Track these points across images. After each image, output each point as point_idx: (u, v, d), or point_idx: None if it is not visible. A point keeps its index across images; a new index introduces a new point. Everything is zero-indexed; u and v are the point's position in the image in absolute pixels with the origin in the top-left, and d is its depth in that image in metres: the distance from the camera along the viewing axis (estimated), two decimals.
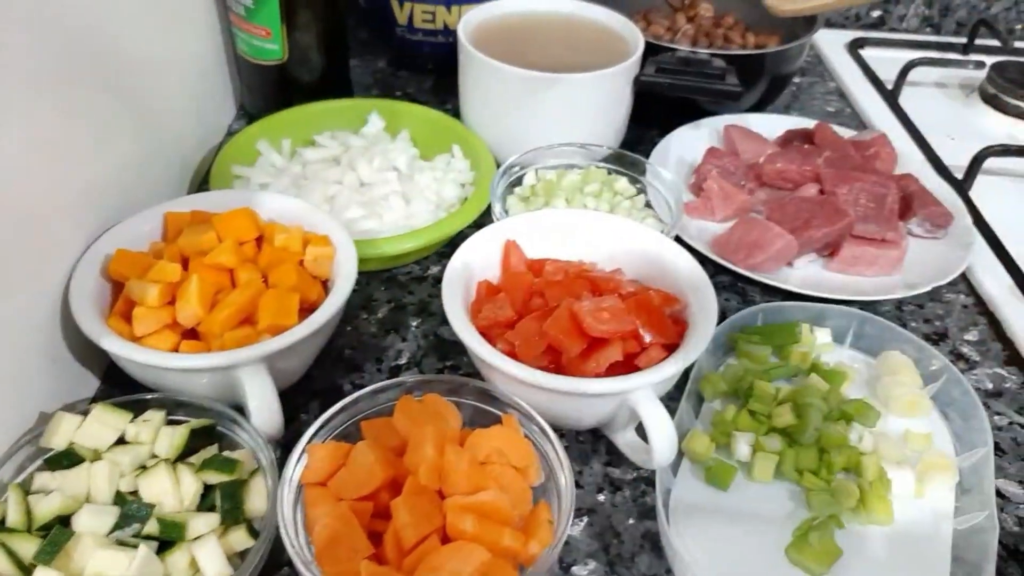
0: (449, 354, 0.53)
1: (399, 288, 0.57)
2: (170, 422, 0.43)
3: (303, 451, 0.40)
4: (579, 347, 0.44)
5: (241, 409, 0.42)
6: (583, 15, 0.69)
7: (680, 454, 0.47)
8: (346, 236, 0.49)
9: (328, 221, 0.50)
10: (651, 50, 0.66)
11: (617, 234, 0.52)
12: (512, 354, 0.44)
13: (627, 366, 0.44)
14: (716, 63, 0.65)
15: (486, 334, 0.46)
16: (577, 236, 0.52)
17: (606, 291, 0.48)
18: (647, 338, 0.44)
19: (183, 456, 0.41)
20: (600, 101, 0.63)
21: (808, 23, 0.75)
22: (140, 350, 0.41)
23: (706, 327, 0.44)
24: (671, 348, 0.45)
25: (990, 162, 0.69)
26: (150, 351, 0.42)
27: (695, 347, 0.43)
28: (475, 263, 0.49)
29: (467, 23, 0.65)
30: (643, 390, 0.41)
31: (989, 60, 0.86)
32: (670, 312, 0.47)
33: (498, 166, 0.62)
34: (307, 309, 0.46)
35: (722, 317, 0.57)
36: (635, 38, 0.65)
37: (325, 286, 0.49)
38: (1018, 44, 0.91)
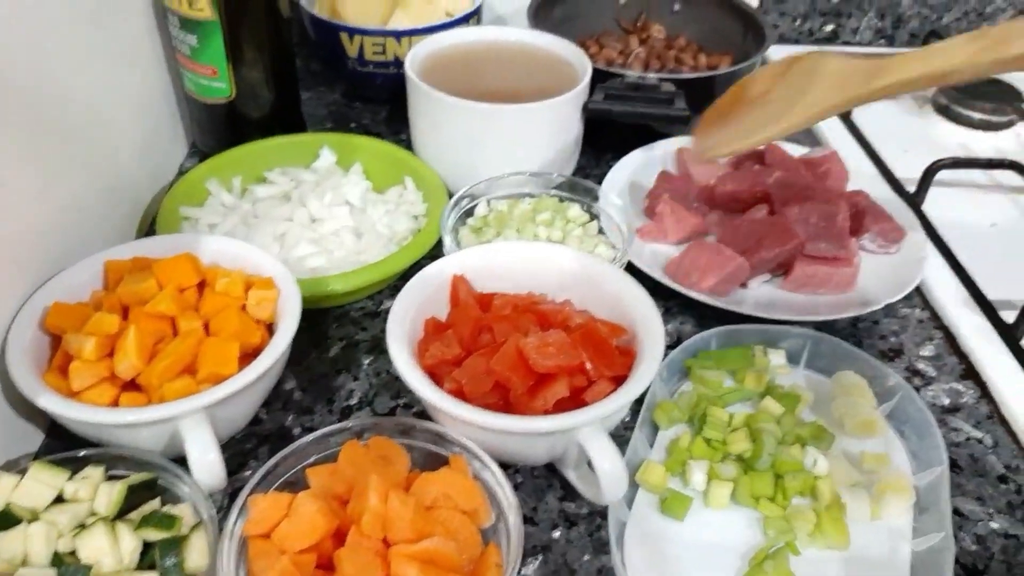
0: (401, 392, 0.52)
1: (352, 325, 0.57)
2: (111, 477, 0.42)
3: (244, 503, 0.39)
4: (526, 384, 0.43)
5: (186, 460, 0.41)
6: (531, 43, 0.69)
7: (635, 485, 0.46)
8: (290, 278, 0.48)
9: (272, 263, 0.49)
10: (600, 76, 0.66)
11: (566, 264, 0.51)
12: (459, 392, 0.44)
13: (575, 401, 0.43)
14: (665, 87, 0.66)
15: (434, 372, 0.46)
16: (527, 268, 0.52)
17: (555, 323, 0.48)
18: (594, 372, 0.44)
19: (124, 512, 0.40)
20: (550, 129, 0.63)
21: (758, 42, 0.76)
22: (75, 407, 0.41)
23: (653, 358, 0.44)
24: (619, 380, 0.44)
25: (943, 173, 0.70)
26: (84, 407, 0.41)
27: (641, 379, 0.43)
28: (423, 300, 0.48)
29: (414, 56, 0.65)
30: (590, 426, 0.41)
31: None
32: (618, 343, 0.46)
33: (451, 197, 0.62)
34: (251, 354, 0.46)
35: (677, 342, 0.57)
36: (583, 65, 0.65)
37: (271, 328, 0.48)
38: None
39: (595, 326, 0.46)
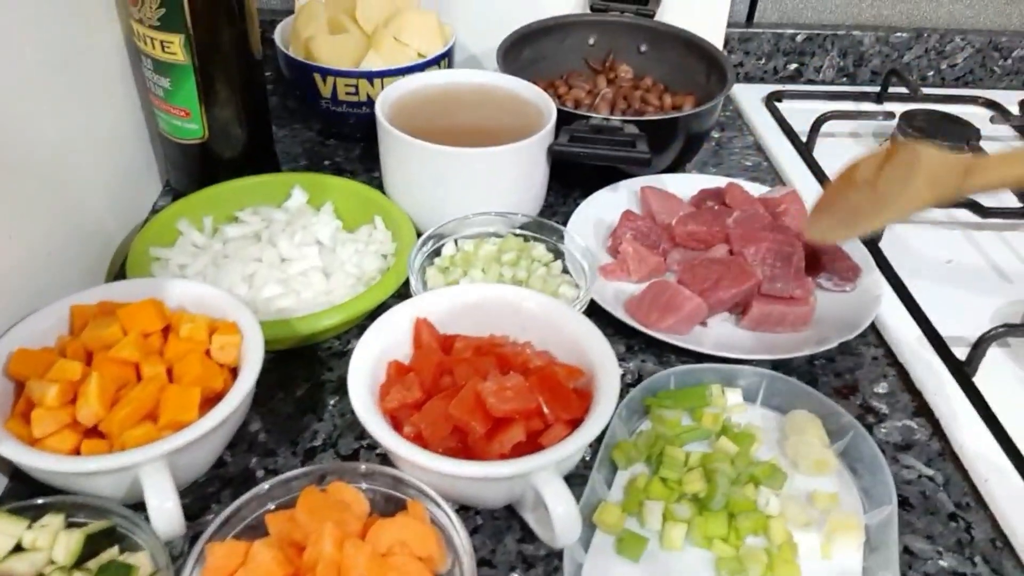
0: (365, 433, 0.53)
1: (319, 365, 0.58)
2: (71, 524, 0.42)
3: (202, 550, 0.39)
4: (484, 427, 0.44)
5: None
6: (499, 85, 0.71)
7: (593, 526, 0.47)
8: (254, 322, 0.49)
9: (236, 307, 0.50)
10: (566, 117, 0.68)
11: (527, 307, 0.52)
12: (419, 437, 0.45)
13: (532, 444, 0.44)
14: (628, 130, 0.67)
15: (395, 416, 0.47)
16: (490, 310, 0.53)
17: (514, 366, 0.49)
18: (551, 415, 0.45)
19: (83, 559, 0.41)
20: (516, 171, 0.64)
21: (721, 82, 0.78)
22: (36, 455, 0.41)
23: (608, 402, 0.45)
24: (576, 422, 0.45)
25: None
26: (45, 456, 0.41)
27: (596, 423, 0.44)
28: (386, 343, 0.49)
29: (384, 99, 0.66)
30: (544, 470, 0.42)
31: (901, 108, 0.90)
32: (576, 385, 0.48)
33: (420, 236, 0.63)
34: (214, 399, 0.47)
35: (638, 379, 0.58)
36: (548, 108, 0.67)
37: (235, 372, 0.49)
38: (931, 91, 0.94)
39: (552, 370, 0.47)
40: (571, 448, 0.42)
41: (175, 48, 0.62)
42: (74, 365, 0.44)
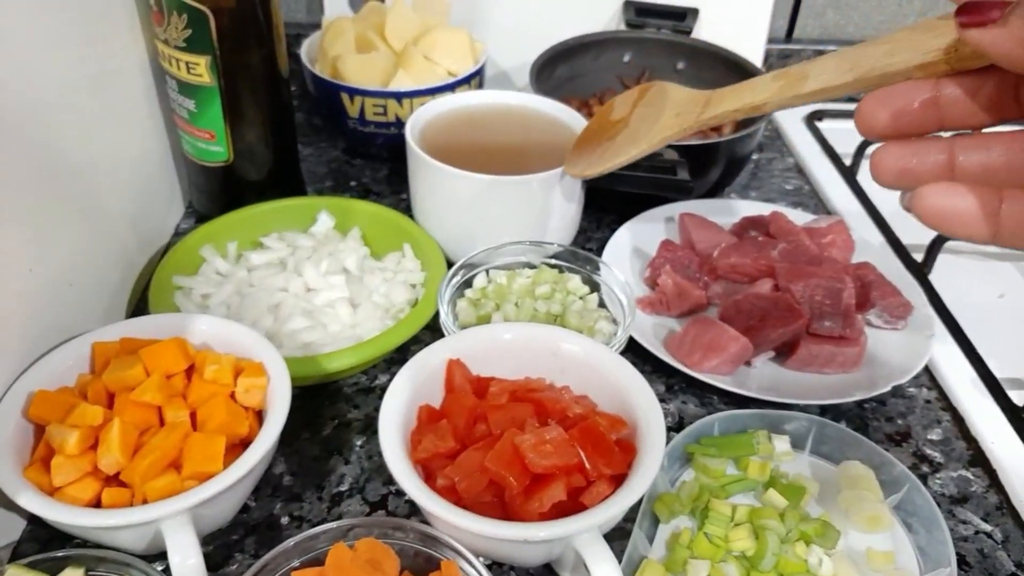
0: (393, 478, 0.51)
1: (345, 402, 0.56)
2: None
3: None
4: (522, 483, 0.42)
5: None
6: (532, 107, 0.69)
7: None
8: (280, 364, 0.47)
9: (263, 347, 0.48)
10: None
11: (565, 348, 0.50)
12: (452, 490, 0.42)
13: (573, 501, 0.42)
14: (667, 155, 0.65)
15: (427, 466, 0.44)
16: (525, 350, 0.51)
17: (553, 413, 0.46)
18: (593, 471, 0.42)
19: None
20: (551, 199, 0.62)
21: None
22: (55, 507, 0.39)
23: (653, 457, 0.42)
24: (619, 478, 0.43)
25: (951, 242, 0.68)
26: (65, 508, 0.39)
27: (641, 481, 0.41)
28: (417, 385, 0.47)
29: (415, 123, 0.64)
30: (587, 533, 0.39)
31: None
32: (617, 437, 0.45)
33: (449, 265, 0.61)
34: (239, 444, 0.45)
35: (679, 421, 0.56)
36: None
37: (260, 415, 0.47)
38: None
39: (594, 421, 0.44)
40: (614, 510, 0.40)
41: (201, 70, 0.60)
42: (95, 410, 0.43)
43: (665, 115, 0.46)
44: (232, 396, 0.46)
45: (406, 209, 0.69)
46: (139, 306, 0.62)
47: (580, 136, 0.56)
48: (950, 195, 0.28)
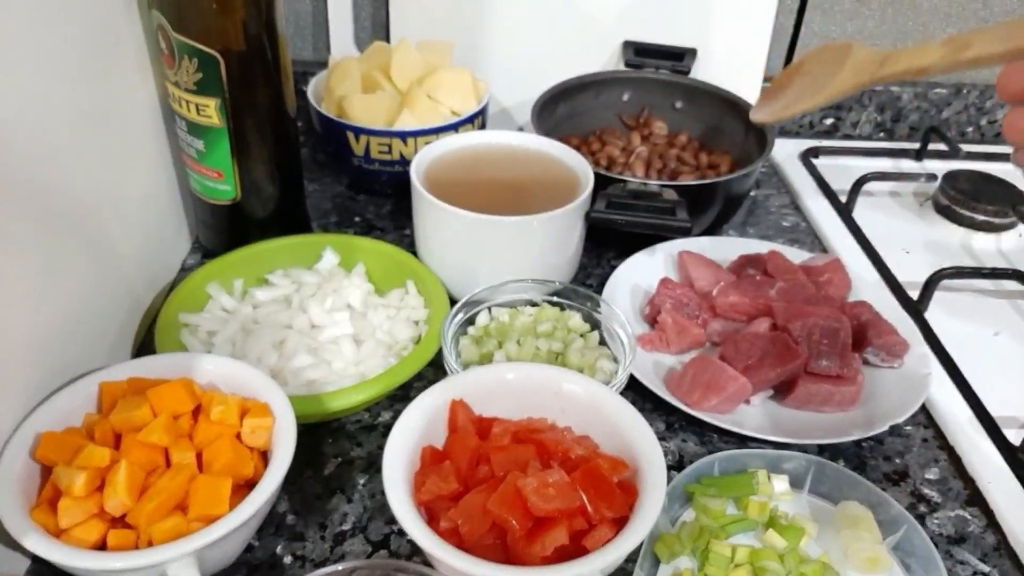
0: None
1: (347, 439, 0.56)
2: None
3: None
4: (525, 527, 0.42)
5: None
6: (534, 147, 0.70)
7: None
8: (286, 404, 0.48)
9: (269, 388, 0.49)
10: (602, 181, 0.66)
11: (567, 388, 0.51)
12: (455, 533, 0.43)
13: (575, 545, 0.42)
14: (667, 195, 0.66)
15: (430, 508, 0.45)
16: (528, 390, 0.51)
17: (555, 454, 0.47)
18: (595, 514, 0.43)
19: None
20: (553, 239, 0.63)
21: (758, 142, 0.76)
22: (60, 550, 0.40)
23: (655, 500, 0.43)
24: (621, 520, 0.43)
25: (946, 280, 0.69)
26: (70, 551, 0.40)
27: (642, 524, 0.42)
28: (420, 426, 0.48)
29: (419, 163, 0.65)
30: None
31: (942, 166, 0.88)
32: (619, 479, 0.46)
33: (452, 301, 0.62)
34: (245, 485, 0.45)
35: (679, 460, 0.56)
36: (585, 172, 0.66)
37: (265, 456, 0.48)
38: (971, 148, 0.92)
39: (596, 464, 0.45)
40: (617, 554, 0.40)
41: (210, 112, 0.61)
42: (102, 452, 0.43)
43: (845, 70, 0.49)
44: (238, 437, 0.47)
45: (409, 245, 0.70)
46: (145, 341, 0.62)
47: (771, 86, 0.59)
48: None
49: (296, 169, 0.70)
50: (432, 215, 0.63)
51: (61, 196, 0.51)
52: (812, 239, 0.80)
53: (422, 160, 0.66)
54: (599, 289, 0.68)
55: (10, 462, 0.43)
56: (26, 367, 0.47)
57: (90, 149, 0.55)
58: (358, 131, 0.73)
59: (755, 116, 0.59)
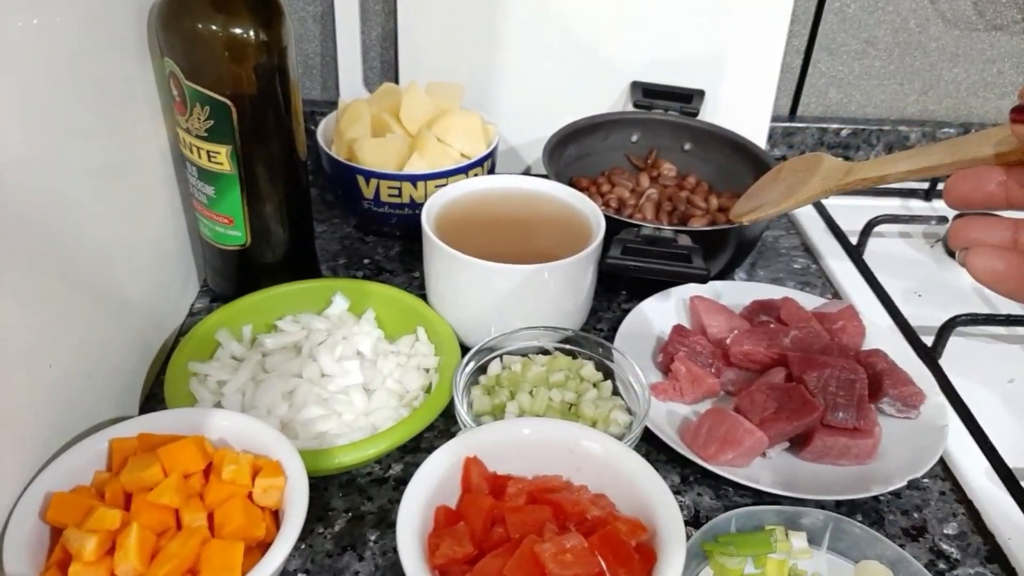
0: None
1: (358, 493, 0.55)
2: None
3: None
4: None
5: None
6: (546, 192, 0.70)
7: None
8: (299, 464, 0.47)
9: (281, 445, 0.48)
10: (613, 225, 0.66)
11: (584, 446, 0.50)
12: None
13: None
14: (681, 241, 0.66)
15: (445, 571, 0.44)
16: (543, 447, 0.50)
17: (571, 516, 0.46)
18: None
19: None
20: (565, 286, 0.63)
21: None
22: None
23: (674, 566, 0.42)
24: None
25: (960, 327, 0.69)
26: None
27: None
28: (434, 485, 0.47)
29: (430, 209, 0.65)
30: None
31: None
32: (637, 542, 0.45)
33: (462, 348, 0.61)
34: (257, 546, 0.44)
35: (695, 515, 0.56)
36: (597, 218, 0.65)
37: (276, 514, 0.47)
38: None
39: (615, 528, 0.44)
40: None
41: (222, 158, 0.61)
42: (113, 514, 0.42)
43: (815, 178, 0.55)
44: (249, 496, 0.46)
45: (418, 288, 0.70)
46: (153, 388, 0.62)
47: (751, 188, 0.67)
48: (996, 258, 0.35)
49: (306, 213, 0.70)
50: (443, 262, 0.63)
51: (72, 246, 0.50)
52: (823, 282, 0.79)
53: (432, 206, 0.66)
54: (610, 333, 0.67)
55: (20, 524, 0.43)
56: (35, 423, 0.46)
57: (101, 198, 0.55)
58: (368, 174, 0.73)
59: (734, 213, 0.67)
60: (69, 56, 0.49)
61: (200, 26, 0.56)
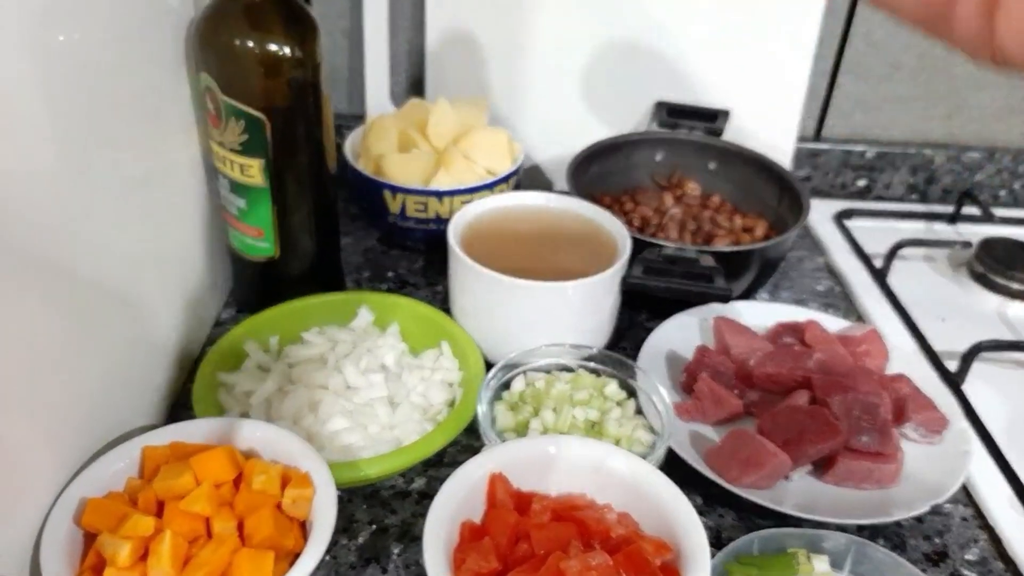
0: None
1: (381, 506, 0.56)
2: None
3: None
4: None
5: None
6: (572, 210, 0.70)
7: None
8: (327, 476, 0.48)
9: (309, 456, 0.49)
10: (636, 245, 0.66)
11: (610, 465, 0.50)
12: None
13: None
14: (704, 261, 0.66)
15: None
16: (569, 464, 0.51)
17: (595, 534, 0.46)
18: None
19: None
20: (589, 304, 0.63)
21: (793, 207, 0.77)
22: None
23: None
24: None
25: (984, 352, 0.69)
26: None
27: None
28: (460, 500, 0.47)
29: (456, 225, 0.66)
30: None
31: (976, 230, 0.88)
32: (662, 562, 0.45)
33: (486, 363, 0.62)
34: (284, 555, 0.45)
35: (717, 536, 0.56)
36: (622, 236, 0.66)
37: (303, 525, 0.47)
38: (1005, 212, 0.92)
39: (639, 547, 0.44)
40: None
41: (254, 172, 0.62)
42: (147, 521, 0.43)
43: None
44: (278, 506, 0.47)
45: (442, 301, 0.70)
46: (181, 397, 0.63)
47: None
48: None
49: (334, 226, 0.71)
50: (468, 277, 0.64)
51: (103, 256, 0.51)
52: (847, 304, 0.79)
53: (459, 221, 0.67)
54: (633, 352, 0.68)
55: (55, 528, 0.44)
56: (68, 428, 0.47)
57: (133, 209, 0.56)
58: (395, 189, 0.74)
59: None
60: (107, 70, 0.50)
61: (237, 42, 0.58)
